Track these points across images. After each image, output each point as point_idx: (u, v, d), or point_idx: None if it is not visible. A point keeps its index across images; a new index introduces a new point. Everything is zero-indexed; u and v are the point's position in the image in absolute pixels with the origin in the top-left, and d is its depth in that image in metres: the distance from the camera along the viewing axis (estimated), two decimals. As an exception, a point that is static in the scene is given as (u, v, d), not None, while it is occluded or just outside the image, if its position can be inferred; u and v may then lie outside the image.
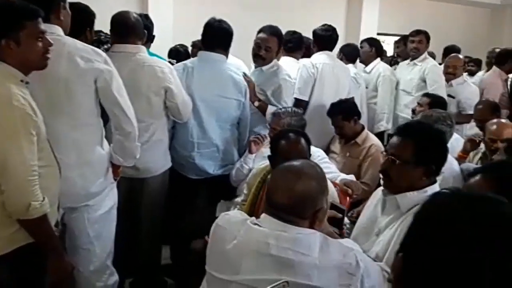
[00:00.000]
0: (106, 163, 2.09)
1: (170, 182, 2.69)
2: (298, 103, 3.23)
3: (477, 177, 1.27)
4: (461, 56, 4.27)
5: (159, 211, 2.64)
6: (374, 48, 4.24)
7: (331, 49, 3.47)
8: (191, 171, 2.77)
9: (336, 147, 3.26)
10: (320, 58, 3.41)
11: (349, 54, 4.09)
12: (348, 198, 2.36)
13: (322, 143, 3.10)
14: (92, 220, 2.09)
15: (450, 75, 4.02)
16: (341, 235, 1.66)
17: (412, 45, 4.10)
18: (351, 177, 2.56)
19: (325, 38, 3.43)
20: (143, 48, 2.42)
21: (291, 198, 1.33)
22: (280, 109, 2.74)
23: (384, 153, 1.74)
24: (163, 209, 2.67)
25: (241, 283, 1.31)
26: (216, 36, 2.71)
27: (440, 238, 0.76)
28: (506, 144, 2.24)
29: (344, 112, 3.10)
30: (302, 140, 2.07)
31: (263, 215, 1.40)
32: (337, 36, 3.47)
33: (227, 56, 2.79)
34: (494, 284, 0.72)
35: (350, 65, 4.00)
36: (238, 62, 3.32)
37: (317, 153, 2.58)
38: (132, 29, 2.39)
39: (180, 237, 2.79)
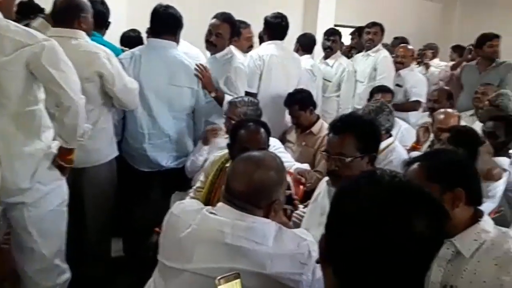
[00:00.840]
0: (41, 157, 1.95)
1: (123, 173, 2.62)
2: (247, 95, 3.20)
3: (415, 165, 1.32)
4: (410, 47, 4.40)
5: (106, 202, 2.55)
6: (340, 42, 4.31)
7: (281, 38, 3.43)
8: (143, 163, 2.70)
9: (292, 136, 3.30)
10: (267, 49, 3.39)
11: (305, 44, 4.10)
12: (301, 186, 2.39)
13: (273, 135, 3.10)
14: (35, 218, 1.98)
15: (399, 64, 4.16)
16: (294, 206, 1.70)
17: (367, 36, 4.20)
18: (306, 166, 2.60)
19: (274, 26, 3.40)
20: (81, 33, 2.30)
21: (248, 186, 1.34)
22: (236, 98, 2.72)
23: (325, 153, 1.76)
24: (113, 201, 2.59)
25: (193, 271, 1.29)
26: (163, 22, 2.64)
27: (344, 216, 0.84)
28: (449, 134, 2.33)
29: (300, 102, 3.15)
30: (262, 130, 2.08)
31: (219, 204, 1.39)
32: (287, 24, 3.42)
33: (177, 43, 2.72)
34: (395, 252, 0.79)
35: (306, 56, 4.01)
36: (195, 50, 3.26)
37: (273, 143, 2.59)
38: (69, 13, 2.28)
39: (133, 229, 2.75)
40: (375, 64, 4.04)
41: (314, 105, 3.21)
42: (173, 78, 2.65)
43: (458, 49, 5.54)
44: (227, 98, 2.83)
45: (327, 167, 1.75)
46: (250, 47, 3.54)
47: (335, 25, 5.72)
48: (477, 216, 1.29)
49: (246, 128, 2.06)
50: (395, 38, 5.36)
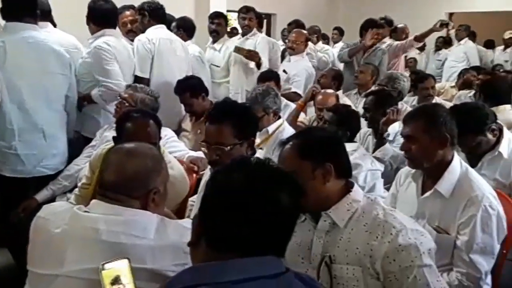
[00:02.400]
0: None
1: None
2: (139, 81, 3.04)
3: (288, 145, 1.36)
4: (304, 32, 4.38)
5: None
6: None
7: (163, 22, 3.39)
8: (11, 168, 2.43)
9: (187, 125, 3.25)
10: (156, 32, 3.29)
11: (188, 29, 3.94)
12: (194, 174, 2.36)
13: (170, 122, 3.00)
14: None
15: (290, 50, 4.15)
16: None
17: (243, 22, 4.13)
18: (199, 154, 2.55)
19: (158, 12, 3.34)
20: None
21: (119, 175, 1.29)
22: (138, 84, 2.66)
23: (205, 143, 1.76)
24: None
25: (67, 275, 1.21)
26: (20, 4, 2.42)
27: (218, 194, 0.96)
28: (332, 114, 2.45)
29: (191, 89, 3.08)
30: (151, 122, 1.99)
31: (93, 201, 1.32)
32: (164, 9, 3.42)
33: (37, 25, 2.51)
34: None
35: (190, 42, 3.93)
36: (71, 38, 3.03)
37: (163, 132, 2.51)
38: None
39: (17, 238, 2.50)
40: (254, 47, 4.01)
41: (206, 91, 3.17)
42: (45, 65, 2.45)
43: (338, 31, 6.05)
44: (94, 91, 2.76)
45: (208, 158, 1.76)
46: (131, 32, 3.39)
47: (228, 11, 5.72)
48: (348, 187, 1.36)
49: (134, 121, 1.96)
50: (289, 24, 5.36)
